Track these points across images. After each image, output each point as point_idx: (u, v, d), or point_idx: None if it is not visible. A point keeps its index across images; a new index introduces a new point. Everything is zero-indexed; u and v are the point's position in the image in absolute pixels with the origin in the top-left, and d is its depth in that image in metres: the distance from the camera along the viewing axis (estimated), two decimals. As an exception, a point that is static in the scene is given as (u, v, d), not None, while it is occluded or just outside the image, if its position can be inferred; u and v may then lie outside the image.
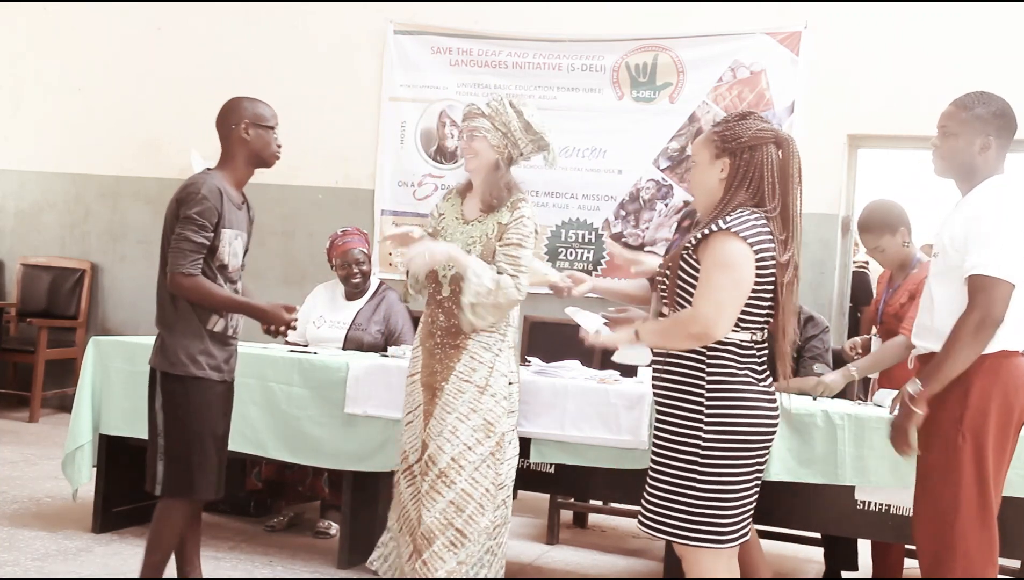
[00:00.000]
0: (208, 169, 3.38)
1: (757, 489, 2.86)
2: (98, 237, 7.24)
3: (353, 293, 4.91)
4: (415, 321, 4.11)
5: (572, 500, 4.86)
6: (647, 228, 5.95)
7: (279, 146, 3.44)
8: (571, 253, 6.09)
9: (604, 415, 3.72)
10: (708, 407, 2.75)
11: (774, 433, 2.85)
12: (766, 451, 2.84)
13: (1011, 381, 2.93)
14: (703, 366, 2.77)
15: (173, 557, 3.43)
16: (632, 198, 6.00)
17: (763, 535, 3.97)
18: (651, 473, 2.85)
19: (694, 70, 5.88)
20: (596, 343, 3.04)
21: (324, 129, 6.59)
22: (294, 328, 3.40)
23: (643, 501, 2.87)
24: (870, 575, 4.19)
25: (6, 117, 7.54)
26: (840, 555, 4.21)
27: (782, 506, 3.55)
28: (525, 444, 3.81)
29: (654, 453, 2.85)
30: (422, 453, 3.55)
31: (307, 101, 6.59)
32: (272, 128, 3.40)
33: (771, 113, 5.66)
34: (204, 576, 3.51)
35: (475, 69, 6.31)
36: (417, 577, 3.47)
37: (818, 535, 4.31)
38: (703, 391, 2.76)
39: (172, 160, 6.82)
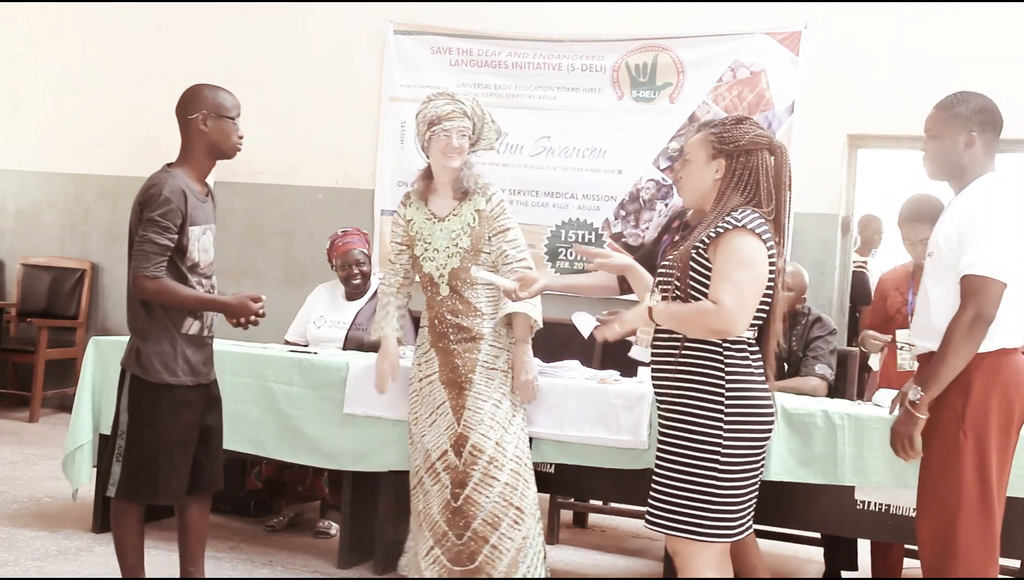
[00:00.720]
0: (168, 165, 3.33)
1: (759, 479, 2.89)
2: (98, 237, 7.23)
3: (353, 293, 4.92)
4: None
5: (572, 500, 4.86)
6: (647, 228, 5.95)
7: (240, 137, 3.33)
8: (571, 253, 6.08)
9: (604, 415, 3.73)
10: (728, 405, 2.75)
11: (773, 428, 2.89)
12: (767, 444, 2.87)
13: (1011, 378, 2.94)
14: (721, 365, 2.77)
15: (177, 557, 3.43)
16: (632, 198, 6.00)
17: (763, 535, 3.96)
18: (662, 472, 2.83)
19: (694, 70, 5.88)
20: (608, 336, 2.99)
21: (324, 129, 6.58)
22: (262, 315, 3.26)
23: (651, 500, 2.85)
24: (870, 575, 4.19)
25: (6, 117, 7.54)
26: (840, 555, 4.21)
27: (782, 506, 3.55)
28: (525, 444, 3.83)
29: (667, 452, 2.83)
30: (456, 448, 3.61)
31: (307, 101, 6.59)
32: (233, 119, 3.29)
33: (771, 113, 5.66)
34: (204, 576, 3.49)
35: (475, 69, 6.30)
36: (478, 576, 3.55)
37: (818, 535, 4.31)
38: (723, 390, 2.76)
39: (172, 160, 6.80)
